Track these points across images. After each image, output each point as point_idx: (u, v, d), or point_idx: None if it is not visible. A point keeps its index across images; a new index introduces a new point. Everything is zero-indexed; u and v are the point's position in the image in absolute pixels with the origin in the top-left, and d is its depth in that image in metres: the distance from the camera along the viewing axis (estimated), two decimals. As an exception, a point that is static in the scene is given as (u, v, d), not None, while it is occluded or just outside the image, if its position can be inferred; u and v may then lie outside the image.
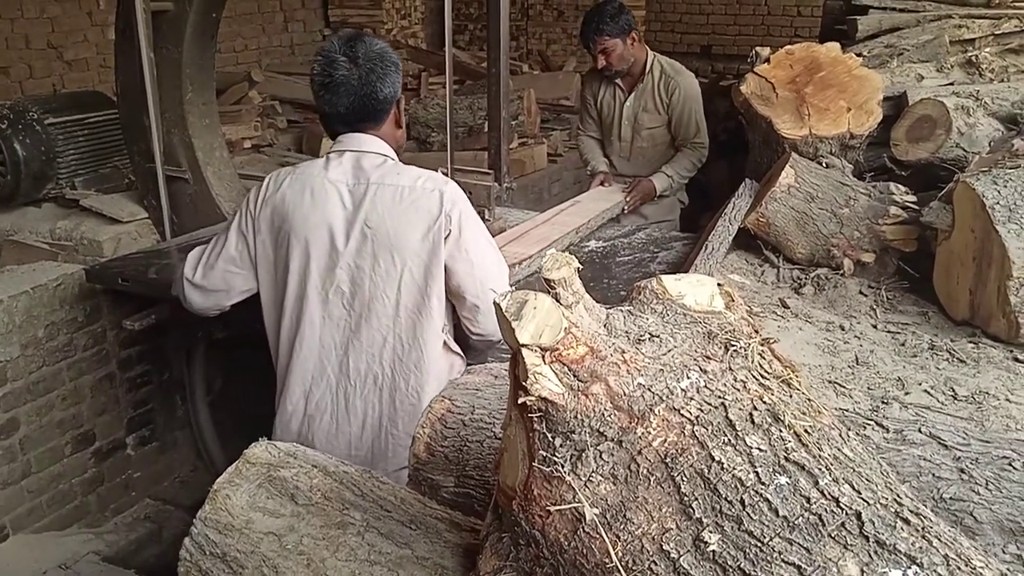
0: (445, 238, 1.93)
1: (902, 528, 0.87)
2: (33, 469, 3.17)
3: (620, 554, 0.94)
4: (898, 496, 0.92)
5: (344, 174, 1.96)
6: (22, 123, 3.81)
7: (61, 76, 5.80)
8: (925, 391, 2.26)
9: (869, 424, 1.59)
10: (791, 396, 1.01)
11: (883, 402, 2.18)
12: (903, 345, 2.51)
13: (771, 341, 1.06)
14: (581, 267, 1.06)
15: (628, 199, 3.69)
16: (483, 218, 3.23)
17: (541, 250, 2.92)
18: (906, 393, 2.25)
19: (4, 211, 3.99)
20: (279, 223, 1.98)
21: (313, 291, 1.98)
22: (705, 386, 1.00)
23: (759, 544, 0.88)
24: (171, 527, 3.45)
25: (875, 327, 2.65)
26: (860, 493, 0.90)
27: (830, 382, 2.29)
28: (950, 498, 1.44)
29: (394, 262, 1.93)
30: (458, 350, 2.13)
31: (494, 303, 1.06)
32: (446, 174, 3.01)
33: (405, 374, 2.00)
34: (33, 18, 5.62)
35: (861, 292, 2.86)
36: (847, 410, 1.80)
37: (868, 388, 2.27)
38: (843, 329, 2.61)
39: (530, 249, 2.90)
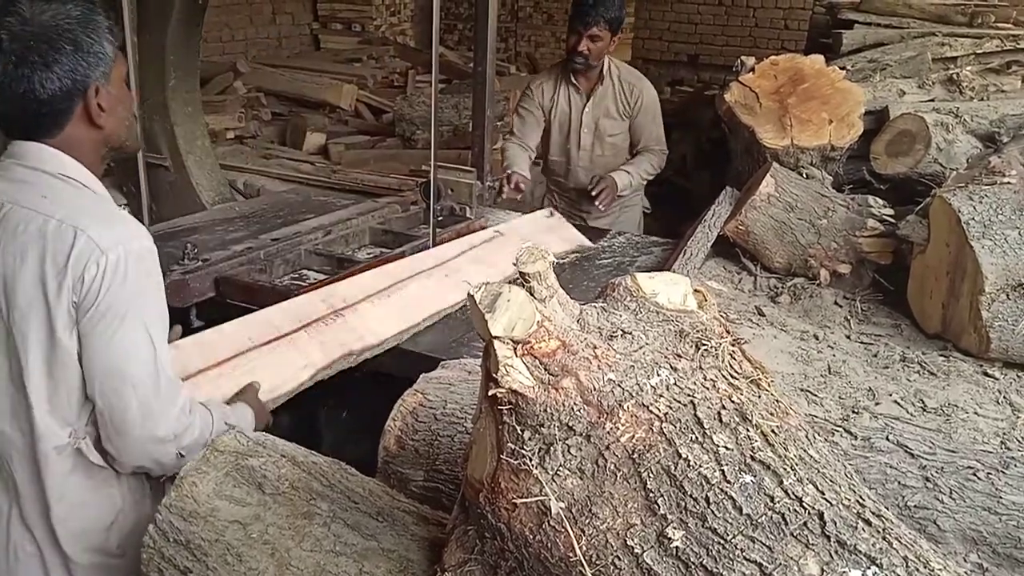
0: (77, 303, 1.36)
1: (863, 529, 0.87)
2: None
3: (584, 548, 0.94)
4: (860, 498, 0.92)
5: None
6: (1, 104, 3.77)
7: (44, 59, 5.72)
8: (895, 402, 2.28)
9: (838, 431, 1.61)
10: (760, 396, 1.02)
11: (853, 411, 2.19)
12: (875, 356, 2.54)
13: (742, 341, 1.07)
14: (556, 262, 1.07)
15: (602, 198, 3.43)
16: (464, 216, 3.25)
17: (399, 333, 2.10)
18: (876, 403, 2.26)
19: (-21, 193, 3.93)
20: None
21: None
22: (675, 384, 1.00)
23: (722, 541, 0.88)
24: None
25: (848, 338, 2.67)
26: (823, 494, 0.91)
27: (802, 390, 2.31)
28: (915, 506, 1.46)
29: (3, 315, 1.40)
30: (104, 464, 1.51)
31: (468, 295, 1.05)
32: (428, 170, 3.00)
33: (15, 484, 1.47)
34: (17, 0, 5.55)
35: (836, 303, 2.88)
36: (818, 417, 1.82)
37: (839, 397, 2.29)
38: (817, 338, 2.62)
39: (348, 345, 2.06)
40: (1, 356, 1.42)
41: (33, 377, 1.40)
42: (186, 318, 2.63)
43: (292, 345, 1.96)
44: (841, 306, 2.87)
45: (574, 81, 3.57)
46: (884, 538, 0.87)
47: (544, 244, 2.64)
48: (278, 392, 1.85)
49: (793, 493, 0.90)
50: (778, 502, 0.89)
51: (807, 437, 0.99)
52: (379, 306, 2.17)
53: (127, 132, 1.56)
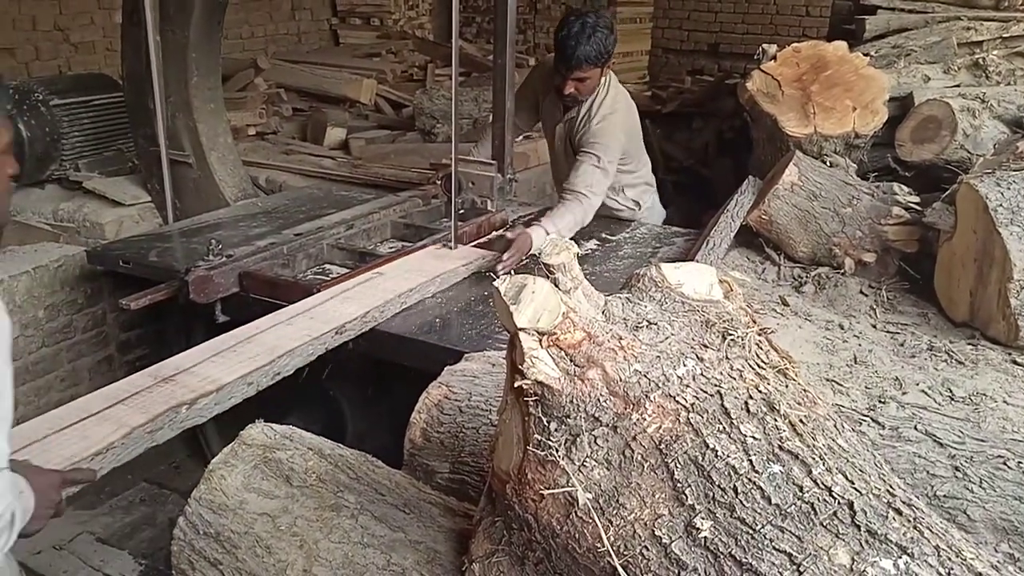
0: None
1: (894, 518, 0.87)
2: (30, 449, 3.17)
3: (612, 539, 0.94)
4: (891, 487, 0.92)
5: None
6: (27, 104, 3.80)
7: (67, 59, 5.80)
8: (922, 391, 2.26)
9: (865, 420, 1.59)
10: (787, 386, 1.01)
11: (880, 401, 2.18)
12: (902, 345, 2.51)
13: (768, 331, 1.06)
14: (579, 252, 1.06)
15: (505, 260, 2.83)
16: (485, 209, 3.25)
17: (242, 377, 1.94)
18: (903, 393, 2.24)
19: (7, 192, 3.99)
20: None
21: None
22: (701, 374, 1.00)
23: (751, 531, 0.88)
24: (166, 511, 3.46)
25: (874, 327, 2.64)
26: (853, 483, 0.90)
27: (828, 380, 2.29)
28: (944, 495, 1.45)
29: None
30: None
31: (493, 287, 1.05)
32: (448, 164, 3.01)
33: None
34: None
35: (861, 292, 2.85)
36: (844, 407, 1.80)
37: (866, 387, 2.27)
38: (842, 328, 2.60)
39: (231, 373, 1.95)
40: None
41: None
42: (211, 313, 2.65)
43: (101, 420, 1.76)
44: (866, 295, 2.84)
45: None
46: (915, 527, 0.87)
47: (435, 269, 2.58)
48: (81, 456, 1.61)
49: (822, 483, 0.89)
50: (807, 492, 0.89)
51: (835, 426, 0.99)
52: (221, 363, 2.02)
53: None
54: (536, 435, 1.00)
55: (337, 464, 1.45)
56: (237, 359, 2.02)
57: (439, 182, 3.31)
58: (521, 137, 3.82)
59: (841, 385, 2.27)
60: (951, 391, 2.26)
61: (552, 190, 5.00)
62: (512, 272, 2.81)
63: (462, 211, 3.11)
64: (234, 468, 1.46)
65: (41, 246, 3.37)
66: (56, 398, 3.23)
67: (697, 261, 2.67)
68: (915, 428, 1.57)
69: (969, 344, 2.51)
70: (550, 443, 0.98)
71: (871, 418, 1.61)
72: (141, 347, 3.53)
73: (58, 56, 5.76)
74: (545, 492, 0.98)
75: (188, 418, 1.83)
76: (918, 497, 1.23)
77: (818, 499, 0.88)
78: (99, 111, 4.09)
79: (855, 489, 0.89)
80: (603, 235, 3.26)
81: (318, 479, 1.42)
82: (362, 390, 2.68)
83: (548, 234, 2.97)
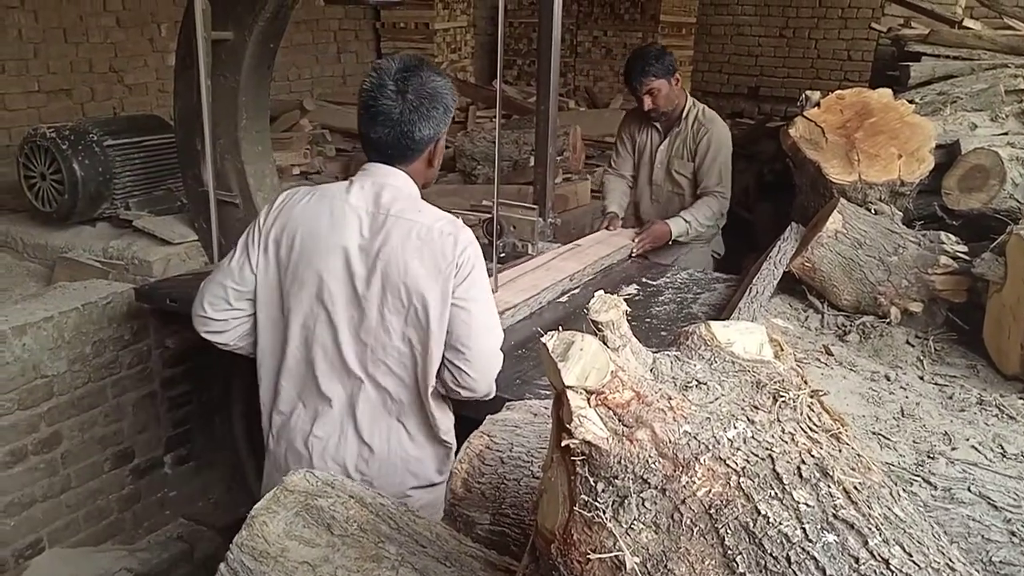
0: (454, 287, 1.91)
1: (955, 595, 0.84)
2: (72, 484, 3.22)
3: (660, 605, 0.92)
4: (950, 560, 0.89)
5: (365, 201, 1.95)
6: (82, 144, 3.91)
7: (121, 99, 5.99)
8: (973, 447, 2.20)
9: (916, 480, 1.55)
10: (840, 451, 0.99)
11: (929, 456, 2.12)
12: (950, 398, 2.45)
13: (821, 393, 1.05)
14: (629, 310, 1.06)
15: (637, 242, 3.60)
16: (526, 252, 3.27)
17: (528, 299, 2.82)
18: (953, 448, 2.19)
19: (59, 229, 4.09)
20: (290, 240, 1.97)
21: (322, 316, 1.96)
22: (752, 437, 0.98)
23: (805, 603, 0.86)
24: (203, 547, 3.48)
25: (922, 379, 2.59)
26: (911, 556, 0.88)
27: (874, 433, 2.24)
28: (1000, 562, 1.40)
29: (402, 298, 1.91)
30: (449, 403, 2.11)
31: (541, 343, 1.05)
32: (491, 207, 3.03)
33: (405, 415, 2.02)
34: (97, 43, 5.83)
35: (908, 342, 2.80)
36: (892, 464, 1.76)
37: (914, 441, 2.22)
38: (888, 379, 2.55)
39: (516, 297, 2.81)
40: (398, 320, 1.92)
41: (434, 336, 1.91)
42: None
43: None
44: (913, 346, 2.79)
45: (655, 123, 3.84)
46: (977, 604, 0.84)
47: (611, 248, 3.39)
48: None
49: (879, 555, 0.87)
50: (863, 564, 0.86)
51: (891, 494, 0.96)
52: (505, 292, 2.87)
53: (435, 175, 2.16)
54: (583, 495, 0.98)
55: (378, 513, 1.45)
56: (514, 290, 2.89)
57: (480, 225, 3.33)
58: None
59: (888, 439, 2.22)
60: (1003, 447, 2.19)
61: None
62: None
63: (503, 255, 3.13)
64: (276, 515, 1.46)
65: (91, 283, 3.44)
66: (100, 433, 3.28)
67: (740, 308, 2.65)
68: (968, 489, 1.53)
69: (1020, 398, 2.45)
70: (597, 504, 0.97)
71: (922, 478, 1.57)
72: (184, 383, 3.58)
73: (112, 97, 5.95)
74: (592, 555, 0.97)
75: (503, 323, 2.44)
76: (974, 564, 1.19)
77: (875, 572, 0.86)
78: (150, 151, 4.19)
79: (913, 562, 0.87)
80: (644, 280, 3.25)
81: (359, 528, 1.41)
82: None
83: (687, 222, 3.64)
